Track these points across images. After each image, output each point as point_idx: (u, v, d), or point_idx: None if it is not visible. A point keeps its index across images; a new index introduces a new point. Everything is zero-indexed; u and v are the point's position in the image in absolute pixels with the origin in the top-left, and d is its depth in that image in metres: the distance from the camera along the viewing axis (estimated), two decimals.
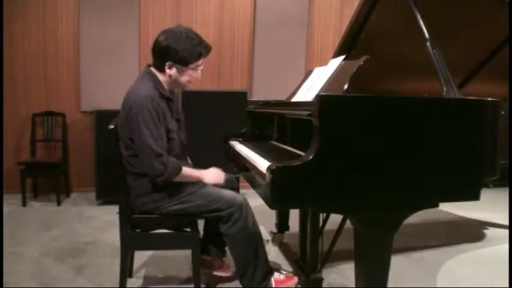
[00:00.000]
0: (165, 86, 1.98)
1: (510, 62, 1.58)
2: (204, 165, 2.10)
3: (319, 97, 1.44)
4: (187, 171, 1.97)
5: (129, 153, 1.94)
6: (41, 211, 3.75)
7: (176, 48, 1.89)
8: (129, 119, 1.86)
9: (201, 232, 2.21)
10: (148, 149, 1.83)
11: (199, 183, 2.02)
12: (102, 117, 3.77)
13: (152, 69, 1.99)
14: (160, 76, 1.97)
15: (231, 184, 2.23)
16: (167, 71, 1.95)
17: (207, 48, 1.99)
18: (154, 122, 1.85)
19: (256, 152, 2.02)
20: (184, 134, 2.15)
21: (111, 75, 4.30)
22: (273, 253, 2.74)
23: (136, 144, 1.87)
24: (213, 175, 2.05)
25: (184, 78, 1.98)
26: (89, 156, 4.24)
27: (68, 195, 4.29)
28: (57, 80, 4.28)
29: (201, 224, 2.11)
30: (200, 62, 1.98)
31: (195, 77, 2.01)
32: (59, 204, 3.93)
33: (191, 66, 1.95)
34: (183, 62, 1.93)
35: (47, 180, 4.21)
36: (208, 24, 4.53)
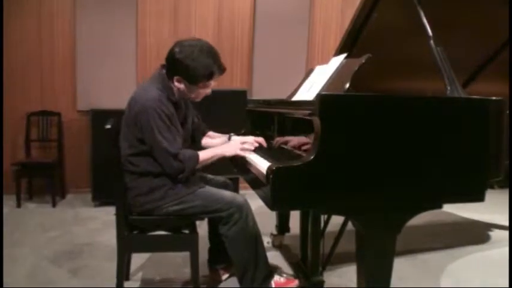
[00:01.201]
0: (175, 93, 1.98)
1: (510, 62, 1.60)
2: None
3: (320, 96, 1.45)
4: (205, 155, 1.99)
5: (131, 152, 1.95)
6: (36, 212, 3.75)
7: (187, 65, 1.88)
8: (139, 122, 1.88)
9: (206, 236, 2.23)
10: (165, 152, 1.86)
11: (201, 183, 2.04)
12: (99, 116, 3.77)
13: (165, 72, 1.98)
14: (170, 83, 1.97)
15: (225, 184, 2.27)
16: (176, 83, 1.95)
17: (220, 70, 1.97)
18: (166, 125, 1.87)
19: (256, 152, 2.02)
20: (190, 133, 2.17)
21: (107, 73, 4.30)
22: (273, 255, 2.74)
23: (151, 148, 1.89)
24: (231, 146, 2.06)
25: (191, 94, 2.00)
26: (85, 157, 4.24)
27: (63, 197, 4.29)
28: (52, 79, 4.28)
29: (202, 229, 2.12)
30: (211, 81, 1.98)
31: (204, 93, 2.02)
32: (54, 205, 3.94)
33: (200, 85, 1.96)
34: (192, 81, 1.93)
35: (42, 181, 4.22)
36: (207, 20, 4.54)
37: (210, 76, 1.94)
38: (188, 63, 1.88)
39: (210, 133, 2.38)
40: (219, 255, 2.28)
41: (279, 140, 2.18)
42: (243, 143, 2.05)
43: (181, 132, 1.99)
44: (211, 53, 1.92)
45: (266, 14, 4.67)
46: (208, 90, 2.02)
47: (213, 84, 2.01)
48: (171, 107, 1.93)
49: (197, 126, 2.30)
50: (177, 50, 1.91)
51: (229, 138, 2.28)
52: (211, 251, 2.35)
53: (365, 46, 2.40)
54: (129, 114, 1.93)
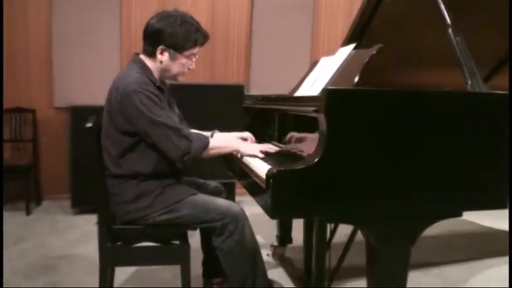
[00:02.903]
0: (155, 75, 2.00)
1: (510, 62, 1.63)
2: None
3: (326, 91, 1.45)
4: (217, 142, 1.98)
5: (117, 150, 1.94)
6: (8, 221, 3.73)
7: (170, 32, 1.92)
8: (124, 110, 1.87)
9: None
10: (164, 128, 1.85)
11: (192, 189, 2.03)
12: (79, 114, 3.77)
13: (141, 56, 2.02)
14: (150, 64, 2.00)
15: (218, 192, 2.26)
16: (158, 56, 1.97)
17: (204, 36, 2.02)
18: (156, 104, 1.87)
19: None
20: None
21: (88, 66, 4.30)
22: (274, 269, 2.74)
23: (147, 133, 1.88)
24: (251, 146, 2.05)
25: (175, 67, 2.00)
26: (63, 159, 4.23)
27: (39, 203, 4.29)
28: (26, 72, 4.27)
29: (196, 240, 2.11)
30: (195, 50, 2.00)
31: (189, 67, 2.03)
32: (28, 213, 3.93)
33: (185, 53, 1.98)
34: (177, 48, 1.96)
35: (15, 185, 4.20)
36: (200, 7, 4.53)
37: (194, 43, 1.98)
38: (170, 30, 1.93)
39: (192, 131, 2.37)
40: (214, 268, 2.28)
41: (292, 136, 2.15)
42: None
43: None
44: (192, 20, 1.98)
45: (266, 0, 4.67)
46: (191, 63, 2.03)
47: (196, 57, 2.02)
48: (155, 89, 1.94)
49: None
50: (154, 20, 1.96)
51: (211, 136, 2.25)
52: (205, 263, 2.35)
53: (376, 36, 2.40)
54: (111, 105, 1.92)
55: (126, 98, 1.86)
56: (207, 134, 2.27)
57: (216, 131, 2.31)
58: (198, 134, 1.95)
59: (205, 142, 1.92)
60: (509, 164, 1.61)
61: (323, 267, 2.19)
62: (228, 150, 2.02)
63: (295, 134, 2.02)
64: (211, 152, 1.95)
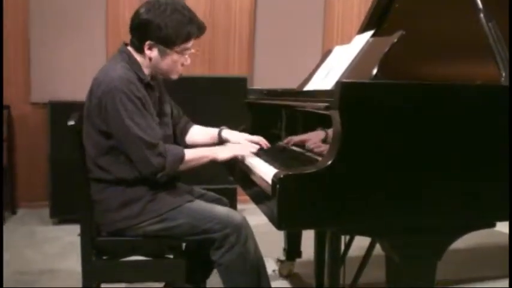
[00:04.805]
0: (145, 70, 2.00)
1: (510, 59, 1.68)
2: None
3: (340, 84, 1.45)
4: (192, 154, 1.98)
5: (97, 152, 1.95)
6: None
7: (159, 24, 1.90)
8: (103, 108, 1.88)
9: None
10: (139, 141, 1.85)
11: (188, 195, 2.04)
12: (59, 110, 3.78)
13: (129, 48, 2.02)
14: (138, 57, 2.00)
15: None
16: (146, 52, 1.97)
17: (200, 28, 2.01)
18: (138, 109, 1.87)
19: (259, 155, 2.03)
20: (171, 130, 2.18)
21: (70, 56, 4.31)
22: (281, 287, 2.73)
23: (121, 140, 1.89)
24: (227, 148, 2.07)
25: (166, 65, 2.00)
26: (41, 161, 4.25)
27: (13, 212, 4.30)
28: None
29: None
30: (189, 44, 1.99)
31: (182, 63, 2.03)
32: (2, 223, 3.93)
33: (177, 48, 1.97)
34: (167, 43, 1.95)
35: None
36: None
37: (187, 37, 1.97)
38: (159, 21, 1.90)
39: (196, 127, 2.38)
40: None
41: (291, 140, 2.17)
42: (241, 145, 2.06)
43: (157, 120, 2.01)
44: (186, 9, 1.97)
45: None
46: (186, 59, 2.03)
47: (191, 51, 2.02)
48: (142, 88, 1.94)
49: (176, 121, 2.31)
50: (143, 10, 1.94)
51: (219, 133, 2.28)
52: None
53: (397, 21, 2.40)
54: (91, 103, 1.93)
55: (106, 95, 1.86)
56: (215, 130, 2.29)
57: (224, 127, 2.30)
58: (174, 147, 1.95)
59: (180, 156, 1.93)
60: None
61: (337, 284, 2.19)
62: (205, 160, 2.02)
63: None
64: (188, 164, 1.96)
